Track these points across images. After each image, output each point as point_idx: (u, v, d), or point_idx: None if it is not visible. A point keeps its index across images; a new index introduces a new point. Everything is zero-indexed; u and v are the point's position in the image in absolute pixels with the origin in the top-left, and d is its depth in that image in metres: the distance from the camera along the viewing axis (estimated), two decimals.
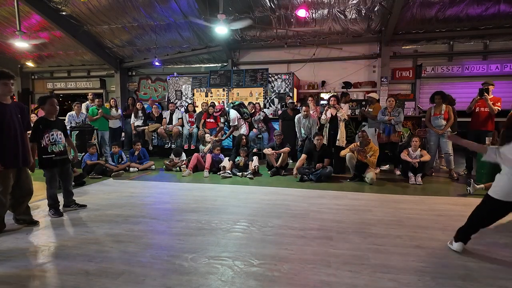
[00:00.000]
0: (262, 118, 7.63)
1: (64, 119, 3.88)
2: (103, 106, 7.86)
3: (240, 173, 5.85)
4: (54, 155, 3.51)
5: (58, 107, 3.62)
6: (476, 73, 9.12)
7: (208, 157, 6.13)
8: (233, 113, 7.02)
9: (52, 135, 3.50)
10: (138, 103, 8.56)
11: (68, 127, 6.55)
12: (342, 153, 5.62)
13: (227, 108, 7.26)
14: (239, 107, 7.17)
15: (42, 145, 3.45)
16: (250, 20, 8.06)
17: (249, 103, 8.05)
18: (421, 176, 5.24)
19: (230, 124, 7.11)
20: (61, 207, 3.67)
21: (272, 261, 2.41)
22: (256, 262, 2.38)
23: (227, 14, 7.75)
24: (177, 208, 3.83)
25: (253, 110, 7.79)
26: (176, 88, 9.95)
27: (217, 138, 7.04)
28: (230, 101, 8.86)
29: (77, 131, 6.75)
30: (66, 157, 3.67)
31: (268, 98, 8.96)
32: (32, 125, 3.43)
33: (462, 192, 4.64)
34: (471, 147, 2.86)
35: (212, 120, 7.66)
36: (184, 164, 6.35)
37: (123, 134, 8.95)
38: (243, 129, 7.06)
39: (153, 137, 8.46)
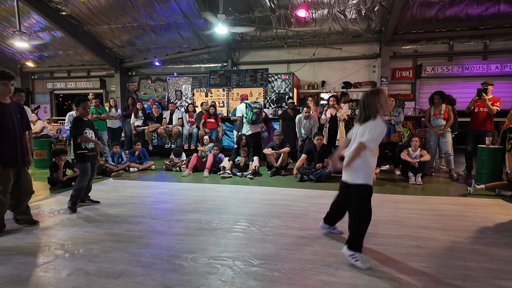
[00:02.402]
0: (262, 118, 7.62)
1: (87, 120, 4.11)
2: (102, 107, 7.85)
3: (240, 173, 5.85)
4: (87, 151, 3.76)
5: (89, 110, 4.01)
6: (476, 73, 9.13)
7: (210, 157, 6.13)
8: (241, 106, 7.09)
9: (86, 133, 3.78)
10: (138, 103, 8.55)
11: (67, 127, 6.56)
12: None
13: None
14: (252, 103, 7.17)
15: (78, 141, 3.71)
16: (253, 28, 8.05)
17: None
18: (421, 176, 5.24)
19: (236, 115, 7.05)
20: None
21: (272, 261, 2.40)
22: (256, 262, 2.38)
23: (227, 14, 7.75)
24: (177, 208, 3.82)
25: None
26: (176, 88, 9.95)
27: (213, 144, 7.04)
28: (230, 101, 8.88)
29: None
30: (95, 154, 3.94)
31: (268, 98, 8.96)
32: (30, 124, 3.48)
33: (462, 192, 4.64)
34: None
35: (212, 120, 7.66)
36: (184, 164, 6.35)
37: (123, 134, 8.95)
38: (245, 129, 7.02)
39: (153, 137, 8.46)
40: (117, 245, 2.70)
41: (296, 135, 6.79)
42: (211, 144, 6.69)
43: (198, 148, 6.50)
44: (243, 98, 7.43)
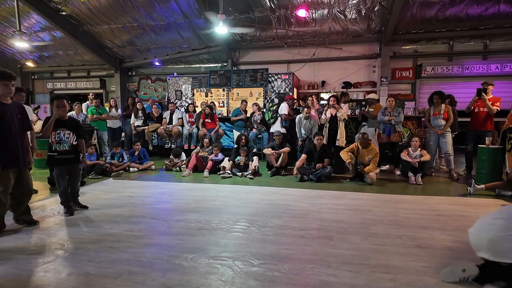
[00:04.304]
0: (261, 118, 7.62)
1: (78, 120, 3.71)
2: (102, 107, 7.85)
3: (240, 173, 5.85)
4: (56, 154, 3.49)
5: (60, 109, 3.47)
6: (476, 73, 9.13)
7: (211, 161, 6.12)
8: (283, 105, 7.35)
9: (59, 133, 3.49)
10: (138, 103, 8.55)
11: None
12: (343, 156, 5.49)
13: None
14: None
15: (49, 142, 3.49)
16: (252, 28, 8.06)
17: (242, 101, 8.15)
18: (421, 176, 5.23)
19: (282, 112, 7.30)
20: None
21: (272, 261, 2.40)
22: (256, 262, 2.38)
23: (227, 14, 7.76)
24: (177, 208, 3.82)
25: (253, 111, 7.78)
26: (176, 88, 9.95)
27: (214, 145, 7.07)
28: (230, 101, 8.87)
29: None
30: (72, 157, 3.57)
31: (268, 98, 8.96)
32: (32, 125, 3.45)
33: (462, 192, 4.64)
34: None
35: (209, 121, 7.68)
36: (184, 164, 6.35)
37: (123, 134, 8.96)
38: (277, 125, 7.24)
39: (153, 137, 8.46)
40: (117, 245, 2.70)
41: (296, 135, 6.79)
42: (211, 147, 6.68)
43: (199, 154, 6.44)
44: (288, 99, 7.49)
